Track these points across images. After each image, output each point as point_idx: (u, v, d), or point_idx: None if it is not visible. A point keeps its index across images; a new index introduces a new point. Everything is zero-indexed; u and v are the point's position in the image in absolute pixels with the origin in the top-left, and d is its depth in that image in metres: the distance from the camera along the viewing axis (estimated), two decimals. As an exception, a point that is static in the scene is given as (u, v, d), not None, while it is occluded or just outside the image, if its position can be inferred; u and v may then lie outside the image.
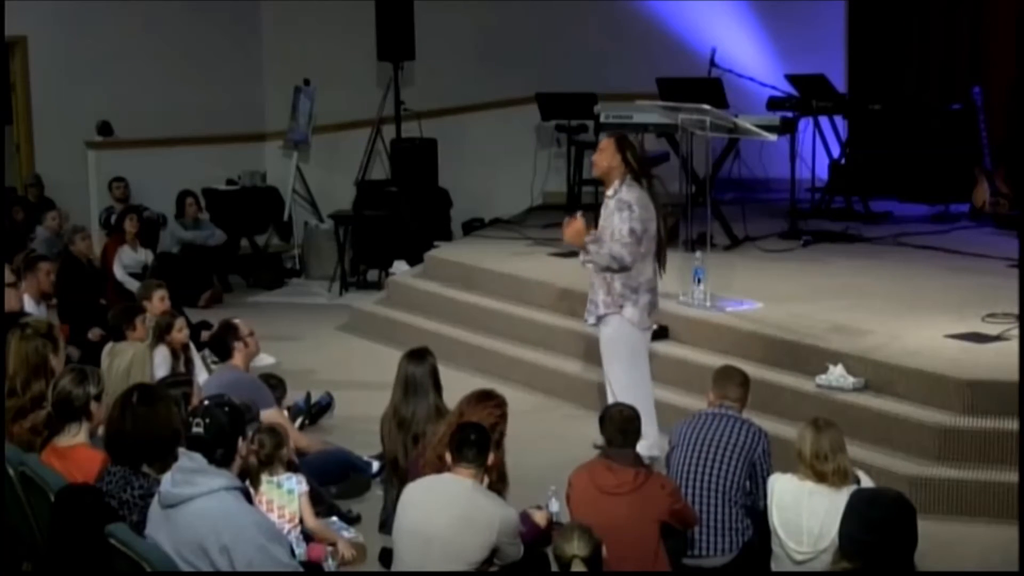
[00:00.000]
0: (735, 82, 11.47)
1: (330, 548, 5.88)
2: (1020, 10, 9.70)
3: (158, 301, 8.04)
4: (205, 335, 9.26)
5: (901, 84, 12.68)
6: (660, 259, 7.16)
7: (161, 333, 7.48)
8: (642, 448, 7.13)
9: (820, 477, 5.16)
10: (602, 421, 5.63)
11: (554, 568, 4.71)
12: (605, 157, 7.04)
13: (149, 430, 4.78)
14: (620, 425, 5.49)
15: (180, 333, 7.64)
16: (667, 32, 13.40)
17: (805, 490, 5.18)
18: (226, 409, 4.53)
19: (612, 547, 4.69)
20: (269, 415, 6.75)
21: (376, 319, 10.57)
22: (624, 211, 6.93)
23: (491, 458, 5.27)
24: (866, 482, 5.33)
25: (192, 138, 13.48)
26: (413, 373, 6.38)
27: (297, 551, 5.67)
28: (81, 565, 4.33)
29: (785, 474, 5.33)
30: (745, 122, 8.65)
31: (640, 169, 7.05)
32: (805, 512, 5.14)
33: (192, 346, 7.95)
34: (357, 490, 6.93)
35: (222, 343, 7.24)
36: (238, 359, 7.16)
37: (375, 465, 7.01)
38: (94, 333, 9.20)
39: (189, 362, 7.63)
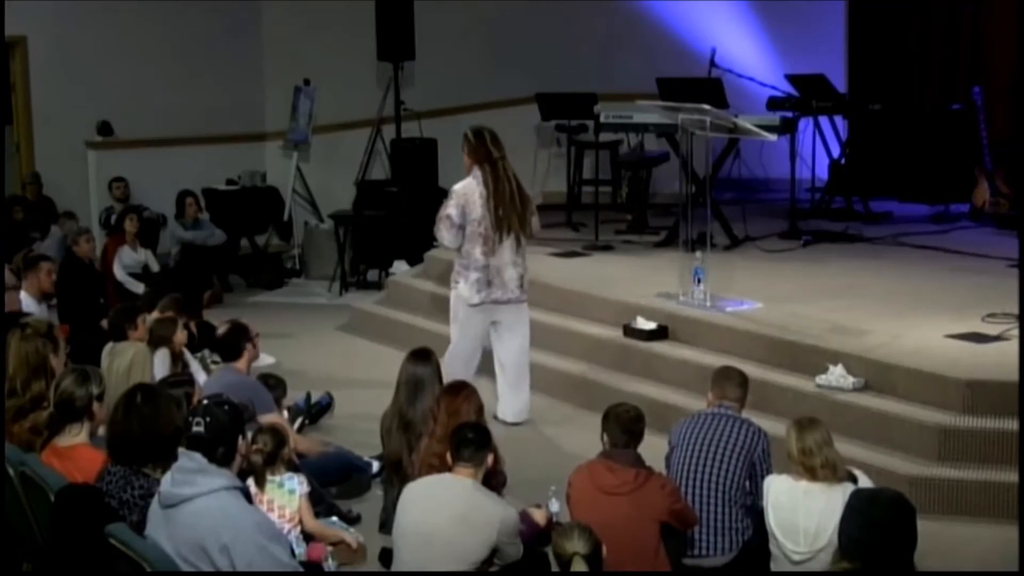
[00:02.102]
0: (735, 82, 11.47)
1: (330, 548, 5.88)
2: (1020, 10, 9.69)
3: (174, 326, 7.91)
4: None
5: (901, 84, 12.69)
6: (502, 238, 7.71)
7: (157, 341, 7.45)
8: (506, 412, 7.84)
9: (810, 473, 5.16)
10: (605, 420, 5.61)
11: (554, 568, 4.71)
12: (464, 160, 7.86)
13: (153, 430, 4.77)
14: (624, 425, 5.48)
15: (180, 334, 7.62)
16: (667, 32, 13.42)
17: (800, 490, 5.18)
18: (226, 408, 4.53)
19: (612, 547, 4.69)
20: (268, 419, 6.71)
21: (376, 319, 10.56)
22: (447, 198, 7.79)
23: (490, 459, 5.28)
24: (865, 482, 5.33)
25: (192, 138, 13.48)
26: (420, 374, 6.38)
27: (297, 551, 5.67)
28: (81, 565, 4.33)
29: (780, 475, 5.34)
30: (745, 122, 8.65)
31: (477, 158, 7.72)
32: (801, 512, 5.14)
33: (187, 351, 7.90)
34: (357, 490, 6.91)
35: (233, 344, 7.09)
36: (242, 361, 7.09)
37: (375, 465, 7.00)
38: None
39: (185, 365, 7.60)
